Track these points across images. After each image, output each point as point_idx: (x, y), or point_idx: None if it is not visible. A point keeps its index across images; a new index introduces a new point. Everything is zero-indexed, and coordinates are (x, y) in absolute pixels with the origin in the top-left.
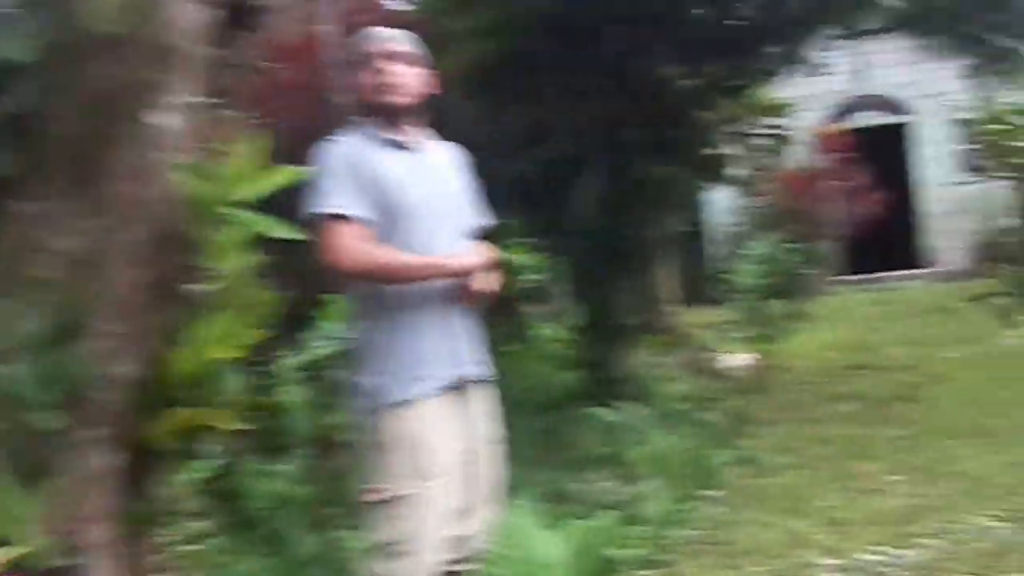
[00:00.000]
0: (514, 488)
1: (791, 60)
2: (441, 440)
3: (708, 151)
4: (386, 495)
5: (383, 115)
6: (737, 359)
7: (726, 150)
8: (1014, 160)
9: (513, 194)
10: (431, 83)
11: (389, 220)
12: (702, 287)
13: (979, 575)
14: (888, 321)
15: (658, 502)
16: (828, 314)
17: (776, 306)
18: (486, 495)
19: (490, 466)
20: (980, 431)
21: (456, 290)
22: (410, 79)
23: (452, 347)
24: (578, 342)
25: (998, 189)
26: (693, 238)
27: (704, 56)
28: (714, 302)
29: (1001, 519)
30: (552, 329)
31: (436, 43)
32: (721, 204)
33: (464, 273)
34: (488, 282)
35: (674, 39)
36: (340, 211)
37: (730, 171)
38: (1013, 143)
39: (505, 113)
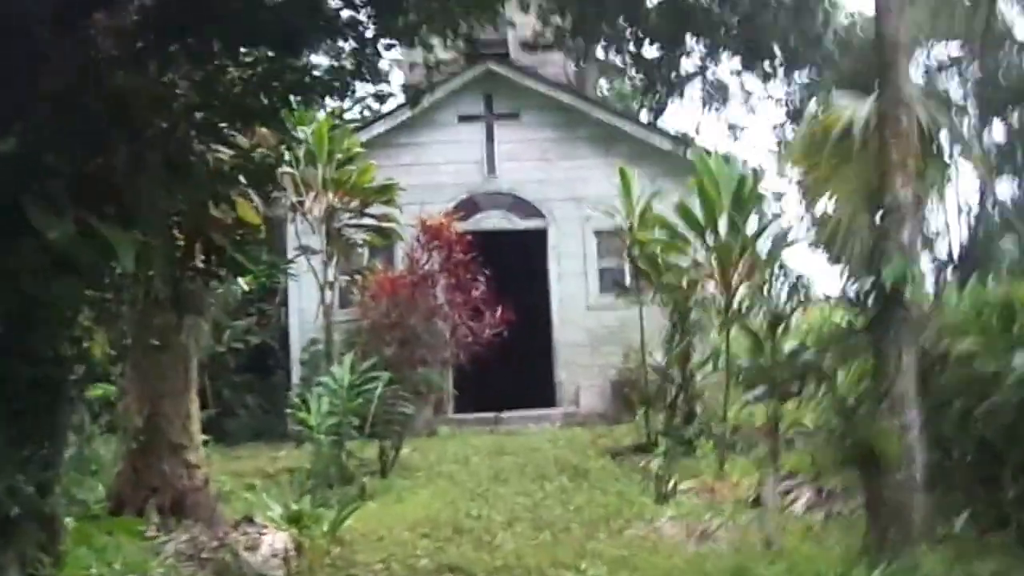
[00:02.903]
0: None
1: (358, 73)
2: None
3: (220, 214)
4: None
5: None
6: (277, 541)
7: (257, 220)
8: (669, 280)
9: None
10: None
11: None
12: (277, 421)
13: None
14: (504, 483)
15: None
16: (428, 466)
17: (354, 454)
18: None
19: None
20: None
21: None
22: None
23: None
24: None
25: (647, 316)
26: (272, 356)
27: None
28: (293, 440)
29: None
30: None
31: None
32: (310, 313)
33: None
34: None
35: None
36: None
37: (306, 267)
38: (670, 258)
39: None
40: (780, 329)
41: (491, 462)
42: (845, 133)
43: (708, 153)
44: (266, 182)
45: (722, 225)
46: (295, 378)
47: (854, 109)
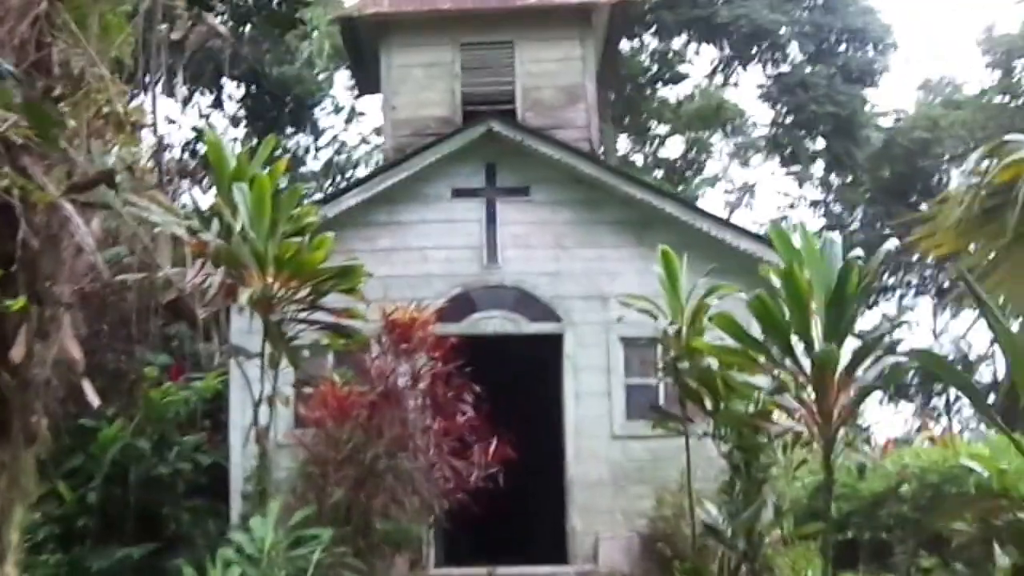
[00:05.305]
0: None
1: None
2: None
3: None
4: None
5: None
6: None
7: None
8: (730, 404)
9: None
10: None
11: None
12: None
13: None
14: None
15: None
16: None
17: None
18: None
19: None
20: None
21: None
22: None
23: None
24: None
25: (692, 449)
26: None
27: None
28: None
29: None
30: None
31: None
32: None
33: None
34: None
35: None
36: None
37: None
38: (732, 375)
39: None
40: None
41: None
42: None
43: (789, 232)
44: None
45: (816, 331)
46: (234, 515)
47: None
